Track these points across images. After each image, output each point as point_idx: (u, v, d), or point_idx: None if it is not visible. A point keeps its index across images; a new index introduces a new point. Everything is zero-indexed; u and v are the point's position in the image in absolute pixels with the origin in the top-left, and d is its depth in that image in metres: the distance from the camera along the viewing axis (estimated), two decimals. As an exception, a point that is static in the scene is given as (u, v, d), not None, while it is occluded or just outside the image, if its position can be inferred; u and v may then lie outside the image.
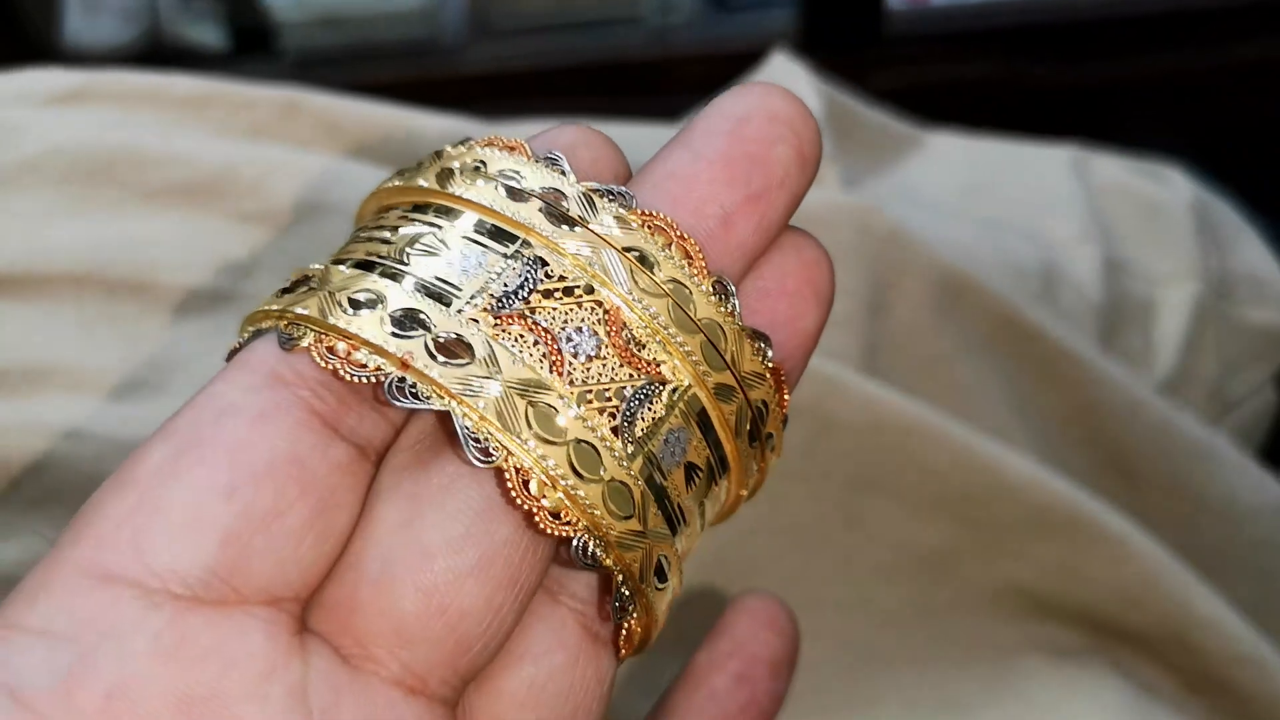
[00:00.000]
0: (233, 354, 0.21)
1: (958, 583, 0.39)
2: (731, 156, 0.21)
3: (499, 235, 0.20)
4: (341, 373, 0.19)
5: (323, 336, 0.19)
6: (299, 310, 0.20)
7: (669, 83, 0.75)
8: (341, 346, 0.19)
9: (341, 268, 0.20)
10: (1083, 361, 0.44)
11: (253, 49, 0.93)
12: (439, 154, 0.22)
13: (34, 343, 0.32)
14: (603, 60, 0.78)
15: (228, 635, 0.18)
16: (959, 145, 0.55)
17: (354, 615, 0.19)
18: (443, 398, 0.19)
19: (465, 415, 0.19)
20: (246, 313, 0.34)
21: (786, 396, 0.23)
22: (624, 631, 0.21)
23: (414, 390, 0.19)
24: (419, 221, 0.21)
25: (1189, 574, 0.39)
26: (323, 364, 0.19)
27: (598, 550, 0.20)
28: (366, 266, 0.20)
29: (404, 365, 0.19)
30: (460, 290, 0.20)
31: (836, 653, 0.37)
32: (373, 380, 0.19)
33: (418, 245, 0.20)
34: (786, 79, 0.49)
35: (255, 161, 0.36)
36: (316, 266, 0.21)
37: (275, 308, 0.20)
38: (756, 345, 0.21)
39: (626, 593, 0.20)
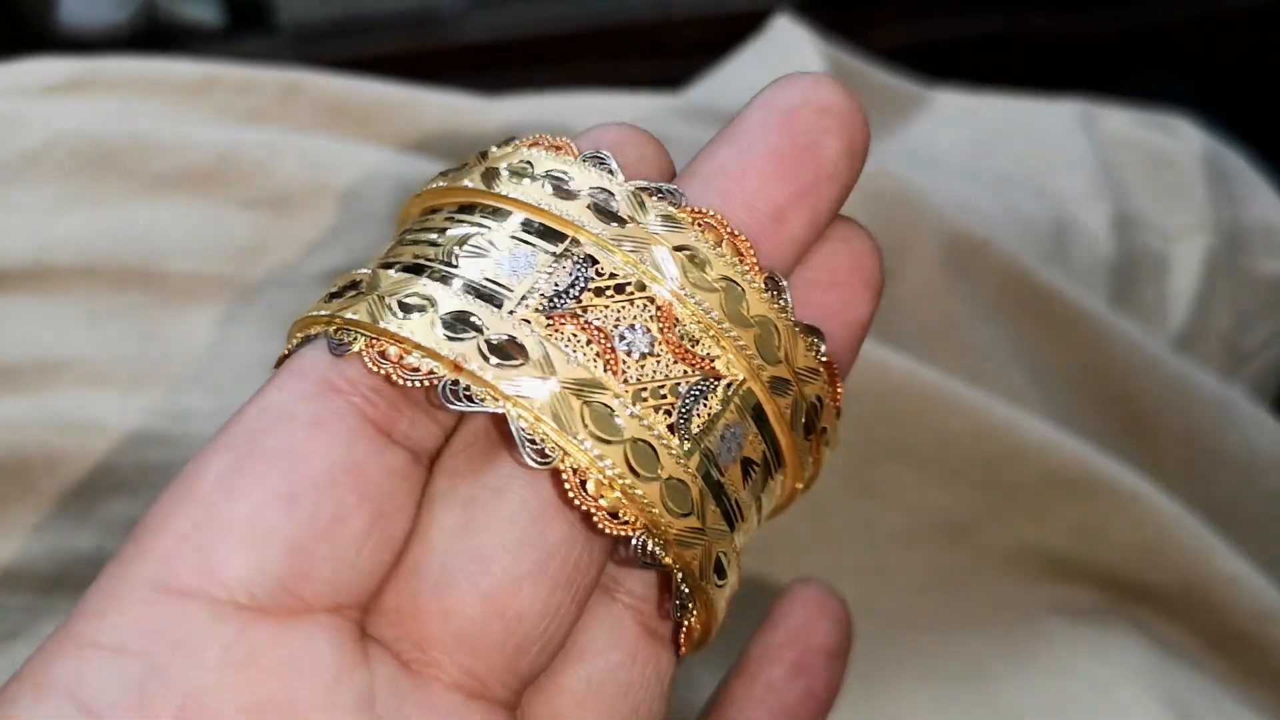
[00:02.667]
0: (282, 360, 0.21)
1: (975, 547, 0.38)
2: (781, 151, 0.21)
3: (548, 234, 0.20)
4: (394, 377, 0.19)
5: (374, 341, 0.19)
6: (349, 315, 0.20)
7: (670, 46, 0.75)
8: (393, 351, 0.19)
9: (390, 271, 0.20)
10: (1096, 319, 0.43)
11: (249, 25, 0.93)
12: (484, 154, 0.22)
13: (44, 337, 0.32)
14: (603, 25, 0.77)
15: (296, 645, 0.18)
16: (965, 103, 0.55)
17: (414, 621, 0.19)
18: (497, 400, 0.19)
19: (520, 417, 0.19)
20: (254, 298, 0.34)
21: (840, 390, 0.22)
22: (684, 629, 0.21)
23: (468, 393, 0.19)
24: (466, 222, 0.21)
25: (1208, 531, 0.39)
26: (375, 369, 0.19)
27: (657, 549, 0.20)
28: (415, 270, 0.20)
29: (457, 368, 0.19)
30: (511, 291, 0.20)
31: (855, 620, 0.37)
32: (426, 384, 0.19)
33: (466, 246, 0.20)
34: (790, 42, 0.49)
35: (258, 145, 0.36)
36: (364, 271, 0.21)
37: (324, 313, 0.20)
38: (810, 340, 0.21)
39: (686, 590, 0.20)
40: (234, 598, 0.18)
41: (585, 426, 0.19)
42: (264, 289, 0.35)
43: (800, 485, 0.23)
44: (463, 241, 0.20)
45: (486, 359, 0.19)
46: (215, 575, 0.18)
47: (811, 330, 0.21)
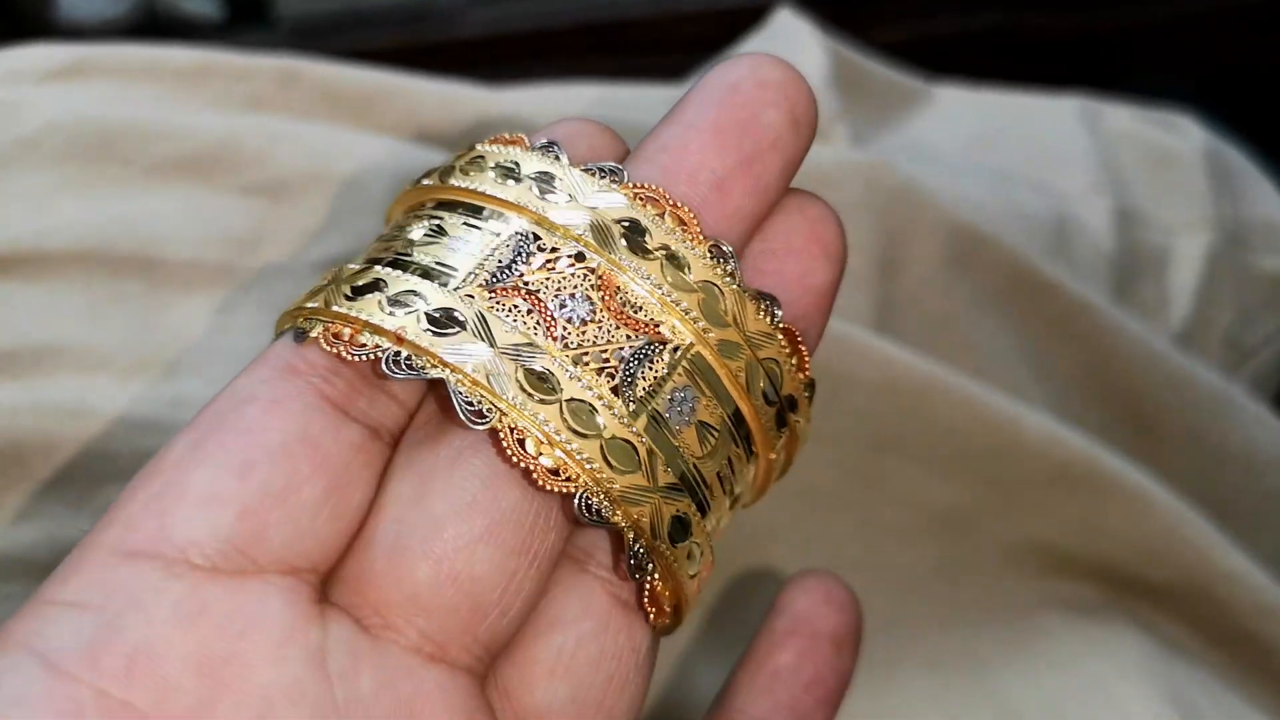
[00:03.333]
0: None
1: (977, 541, 0.38)
2: (721, 124, 0.22)
3: (494, 217, 0.21)
4: (345, 354, 0.20)
5: (329, 325, 0.21)
6: (309, 305, 0.21)
7: (671, 41, 0.74)
8: (346, 331, 0.20)
9: (352, 265, 0.22)
10: (1098, 314, 0.43)
11: (248, 18, 0.92)
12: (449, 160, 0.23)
13: (41, 323, 0.32)
14: (604, 20, 0.77)
15: (246, 602, 0.19)
16: (967, 98, 0.54)
17: (371, 586, 0.20)
18: (436, 366, 0.20)
19: (458, 381, 0.20)
20: (252, 287, 0.34)
21: (807, 357, 0.22)
22: (648, 593, 0.21)
23: (409, 362, 0.20)
24: (426, 217, 0.22)
25: (1210, 527, 0.39)
26: (329, 349, 0.20)
27: (602, 507, 0.20)
28: (374, 261, 0.22)
29: (399, 339, 0.20)
30: (456, 270, 0.21)
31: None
32: (372, 358, 0.20)
33: (422, 236, 0.21)
34: (791, 36, 0.48)
35: (257, 133, 0.36)
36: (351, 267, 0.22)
37: (293, 307, 0.22)
38: (761, 305, 0.22)
39: (641, 550, 0.21)
40: (187, 557, 0.19)
41: (521, 387, 0.20)
42: (262, 277, 0.34)
43: (774, 456, 0.23)
44: (419, 232, 0.22)
45: (426, 330, 0.20)
46: (169, 537, 0.19)
47: (763, 295, 0.22)
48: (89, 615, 0.18)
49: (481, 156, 0.22)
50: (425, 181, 0.22)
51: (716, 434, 0.21)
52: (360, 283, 0.21)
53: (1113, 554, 0.39)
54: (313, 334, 0.21)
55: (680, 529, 0.21)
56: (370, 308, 0.20)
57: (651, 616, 0.22)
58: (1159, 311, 0.49)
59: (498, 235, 0.21)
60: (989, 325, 0.42)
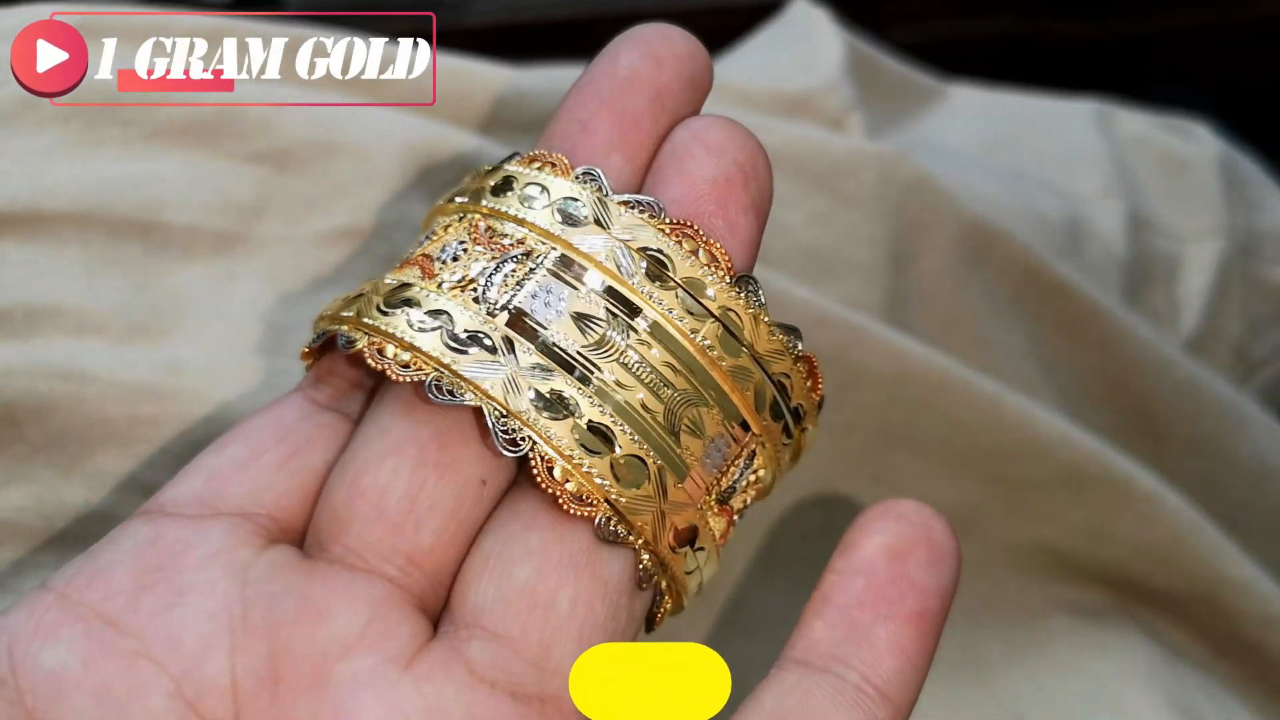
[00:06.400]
0: (306, 351, 0.26)
1: (984, 541, 0.38)
2: (585, 81, 0.25)
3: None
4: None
5: (373, 339, 0.23)
6: (344, 314, 0.24)
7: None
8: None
9: (388, 279, 0.24)
10: (1110, 318, 0.43)
11: (256, 5, 0.92)
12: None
13: (37, 283, 0.31)
14: (616, 12, 0.76)
15: (190, 532, 0.22)
16: (981, 98, 0.54)
17: (313, 523, 0.23)
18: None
19: (351, 330, 0.23)
20: (253, 255, 0.33)
21: (715, 244, 0.23)
22: (535, 473, 0.22)
23: (448, 387, 0.22)
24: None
25: (1218, 535, 0.38)
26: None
27: (452, 385, 0.22)
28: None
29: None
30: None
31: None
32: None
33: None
34: (809, 24, 0.48)
35: (263, 100, 0.35)
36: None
37: (329, 312, 0.25)
38: (630, 205, 0.23)
39: (508, 423, 0.22)
40: (163, 509, 0.23)
41: (381, 311, 0.23)
42: (264, 245, 0.34)
43: (719, 359, 0.23)
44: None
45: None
46: (156, 500, 0.23)
47: (638, 200, 0.23)
48: (83, 556, 0.23)
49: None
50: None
51: (599, 323, 0.23)
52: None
53: (1120, 559, 0.38)
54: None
55: (558, 405, 0.22)
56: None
57: (562, 502, 0.22)
58: (1168, 318, 0.48)
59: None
60: (1001, 323, 0.41)
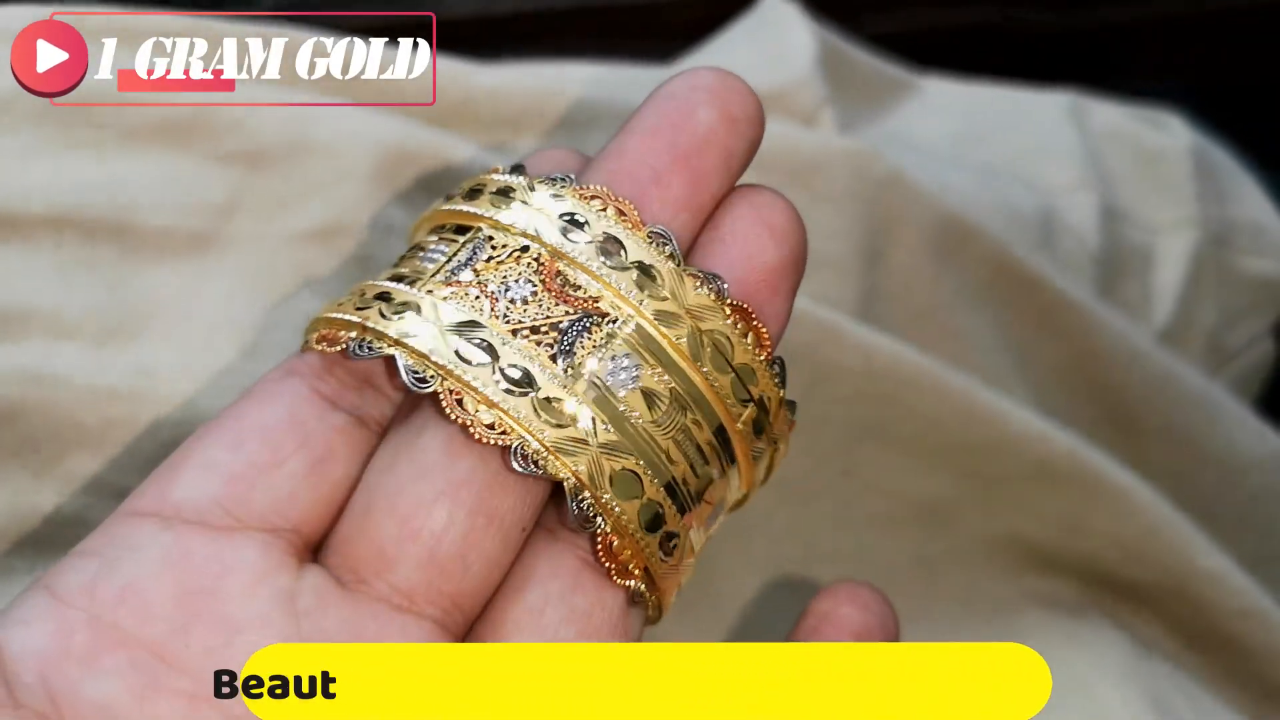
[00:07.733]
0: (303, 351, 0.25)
1: (956, 535, 0.38)
2: (657, 127, 0.24)
3: (460, 230, 0.25)
4: (327, 351, 0.24)
5: (324, 330, 0.24)
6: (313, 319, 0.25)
7: (663, 26, 0.73)
8: (342, 335, 0.24)
9: (373, 282, 0.25)
10: (1083, 310, 0.43)
11: (232, 3, 0.91)
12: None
13: (10, 286, 0.31)
14: (594, 3, 0.76)
15: (225, 549, 0.22)
16: (954, 91, 0.54)
17: (346, 545, 0.23)
18: (389, 345, 0.23)
19: (405, 354, 0.23)
20: (226, 255, 0.33)
21: (765, 332, 0.24)
22: (601, 547, 0.23)
23: (371, 346, 0.23)
24: (428, 243, 0.25)
25: (1191, 527, 0.38)
26: (315, 346, 0.24)
27: (537, 456, 0.22)
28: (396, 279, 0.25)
29: (362, 328, 0.23)
30: (423, 274, 0.24)
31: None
32: (344, 348, 0.23)
33: (421, 257, 0.25)
34: (781, 20, 0.48)
35: (235, 99, 0.35)
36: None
37: (317, 316, 0.25)
38: (700, 279, 0.23)
39: (585, 501, 0.22)
40: (180, 515, 0.22)
41: (460, 358, 0.22)
42: (237, 245, 0.34)
43: (740, 427, 0.24)
44: (416, 254, 0.25)
45: (384, 316, 0.23)
46: (168, 499, 0.23)
47: (704, 274, 0.24)
48: (94, 560, 0.22)
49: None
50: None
51: (664, 401, 0.23)
52: (353, 294, 0.24)
53: (1093, 552, 0.38)
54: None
55: (630, 484, 0.23)
56: (347, 309, 0.24)
57: (612, 573, 0.23)
58: (1142, 310, 0.49)
59: (459, 242, 0.24)
60: (974, 318, 0.42)
